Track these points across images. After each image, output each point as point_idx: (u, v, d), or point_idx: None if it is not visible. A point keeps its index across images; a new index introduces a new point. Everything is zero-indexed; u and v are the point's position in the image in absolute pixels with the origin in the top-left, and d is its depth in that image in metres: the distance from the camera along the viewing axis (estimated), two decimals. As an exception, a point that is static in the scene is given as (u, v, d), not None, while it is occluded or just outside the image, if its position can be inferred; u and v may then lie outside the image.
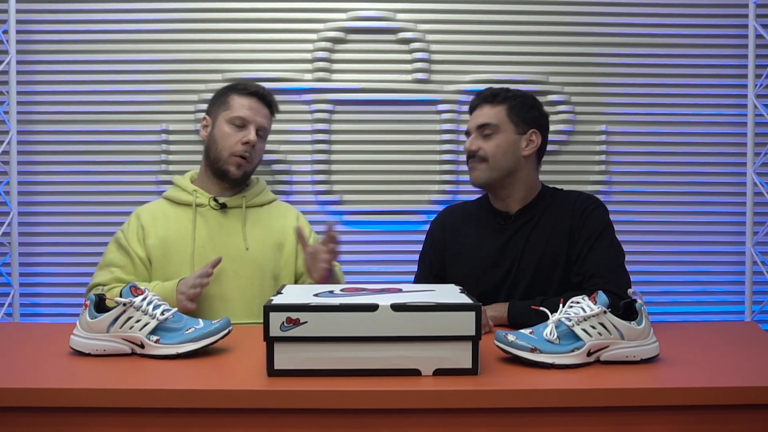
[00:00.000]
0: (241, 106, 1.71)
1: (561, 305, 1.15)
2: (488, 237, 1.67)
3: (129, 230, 1.70)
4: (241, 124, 1.69)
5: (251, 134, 1.68)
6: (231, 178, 1.70)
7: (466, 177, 2.31)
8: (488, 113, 1.66)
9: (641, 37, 2.33)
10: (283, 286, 1.25)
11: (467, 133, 1.71)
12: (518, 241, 1.63)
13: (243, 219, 1.71)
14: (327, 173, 2.31)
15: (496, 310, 1.52)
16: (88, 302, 1.16)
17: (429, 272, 1.74)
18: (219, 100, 1.75)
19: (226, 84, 1.81)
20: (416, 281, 1.80)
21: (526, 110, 1.67)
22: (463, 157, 2.28)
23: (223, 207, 1.70)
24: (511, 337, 1.10)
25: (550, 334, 1.09)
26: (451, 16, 2.32)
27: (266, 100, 1.75)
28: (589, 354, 1.09)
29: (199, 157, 2.28)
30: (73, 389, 0.97)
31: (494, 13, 2.32)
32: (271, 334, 1.01)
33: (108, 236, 2.27)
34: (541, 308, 1.17)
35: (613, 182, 2.34)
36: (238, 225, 1.70)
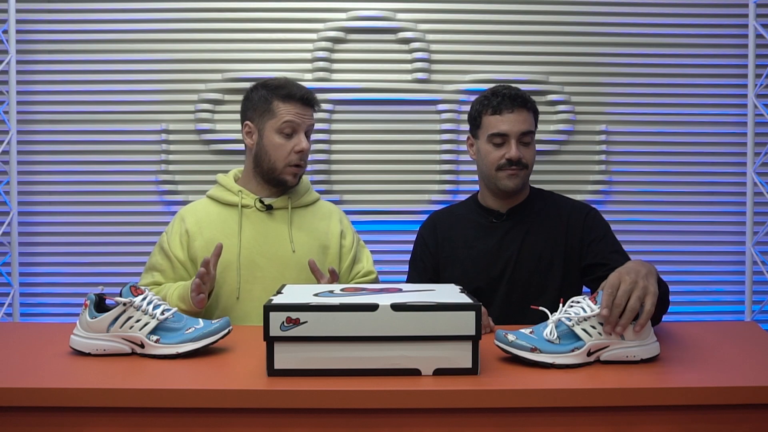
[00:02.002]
0: (287, 113, 1.65)
1: (561, 305, 1.15)
2: (481, 236, 1.68)
3: (172, 233, 1.69)
4: (291, 132, 1.65)
5: (303, 142, 1.64)
6: (288, 186, 1.68)
7: (467, 177, 2.33)
8: (528, 120, 1.64)
9: (641, 37, 2.33)
10: (283, 285, 1.25)
11: (500, 136, 1.63)
12: (513, 239, 1.64)
13: (289, 221, 1.69)
14: (327, 173, 2.31)
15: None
16: (88, 302, 1.16)
17: (423, 275, 1.74)
18: (261, 107, 1.67)
19: (256, 83, 1.71)
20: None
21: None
22: (464, 157, 2.32)
23: (269, 208, 1.69)
24: (511, 337, 1.10)
25: (550, 333, 1.09)
26: (451, 16, 2.32)
27: (310, 103, 1.69)
28: (589, 354, 1.09)
29: (199, 157, 2.30)
30: (73, 389, 0.97)
31: (494, 13, 2.32)
32: (271, 334, 1.01)
33: (108, 236, 2.29)
34: (540, 308, 1.17)
35: (613, 182, 2.34)
36: (284, 227, 1.68)
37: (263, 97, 1.68)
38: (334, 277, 1.53)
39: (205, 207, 1.72)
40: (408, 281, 1.78)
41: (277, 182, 1.68)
